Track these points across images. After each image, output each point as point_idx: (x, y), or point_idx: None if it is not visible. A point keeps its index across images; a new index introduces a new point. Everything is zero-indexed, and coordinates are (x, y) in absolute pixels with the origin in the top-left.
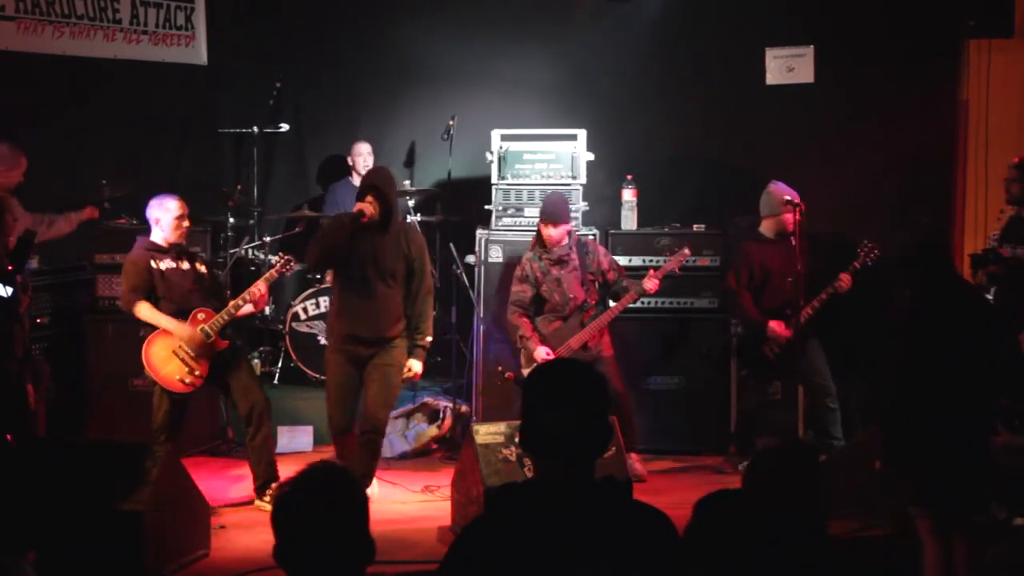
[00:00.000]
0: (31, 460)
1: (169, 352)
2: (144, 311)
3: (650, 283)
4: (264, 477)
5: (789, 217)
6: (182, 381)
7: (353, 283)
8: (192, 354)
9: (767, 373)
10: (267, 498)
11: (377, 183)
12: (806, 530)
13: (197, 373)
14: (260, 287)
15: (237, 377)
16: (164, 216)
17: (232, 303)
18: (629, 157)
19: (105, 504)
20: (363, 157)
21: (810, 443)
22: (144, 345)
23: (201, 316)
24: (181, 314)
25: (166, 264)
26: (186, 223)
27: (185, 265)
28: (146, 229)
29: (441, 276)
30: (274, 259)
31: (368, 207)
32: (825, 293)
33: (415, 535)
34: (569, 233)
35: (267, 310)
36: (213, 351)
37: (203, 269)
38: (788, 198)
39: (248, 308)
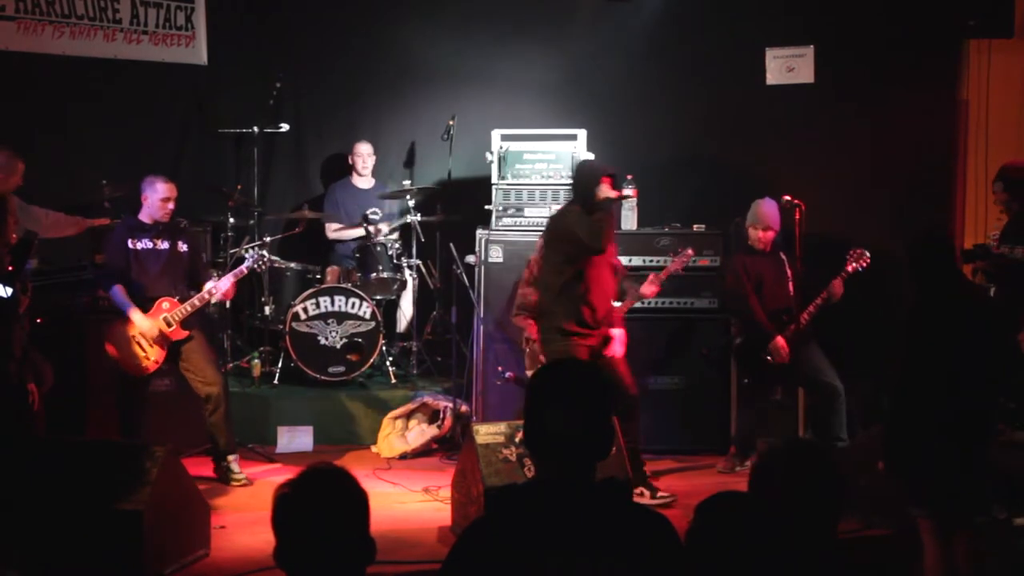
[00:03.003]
0: (31, 460)
1: (128, 337)
2: (114, 293)
3: (648, 288)
4: (223, 450)
5: (763, 235)
6: (137, 365)
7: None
8: (149, 342)
9: (768, 379)
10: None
11: None
12: (813, 533)
13: (152, 359)
14: (228, 281)
15: (194, 361)
16: (152, 195)
17: (197, 296)
18: (629, 157)
19: (105, 504)
20: (363, 158)
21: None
22: (108, 327)
23: (165, 306)
24: (148, 300)
25: (143, 244)
26: (171, 205)
27: (163, 245)
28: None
29: (441, 276)
30: (248, 254)
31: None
32: (820, 299)
33: (415, 535)
34: None
35: (267, 310)
36: (170, 340)
37: (183, 248)
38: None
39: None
